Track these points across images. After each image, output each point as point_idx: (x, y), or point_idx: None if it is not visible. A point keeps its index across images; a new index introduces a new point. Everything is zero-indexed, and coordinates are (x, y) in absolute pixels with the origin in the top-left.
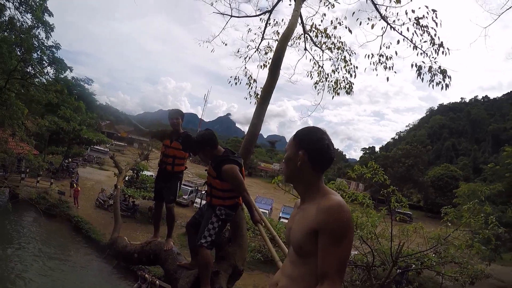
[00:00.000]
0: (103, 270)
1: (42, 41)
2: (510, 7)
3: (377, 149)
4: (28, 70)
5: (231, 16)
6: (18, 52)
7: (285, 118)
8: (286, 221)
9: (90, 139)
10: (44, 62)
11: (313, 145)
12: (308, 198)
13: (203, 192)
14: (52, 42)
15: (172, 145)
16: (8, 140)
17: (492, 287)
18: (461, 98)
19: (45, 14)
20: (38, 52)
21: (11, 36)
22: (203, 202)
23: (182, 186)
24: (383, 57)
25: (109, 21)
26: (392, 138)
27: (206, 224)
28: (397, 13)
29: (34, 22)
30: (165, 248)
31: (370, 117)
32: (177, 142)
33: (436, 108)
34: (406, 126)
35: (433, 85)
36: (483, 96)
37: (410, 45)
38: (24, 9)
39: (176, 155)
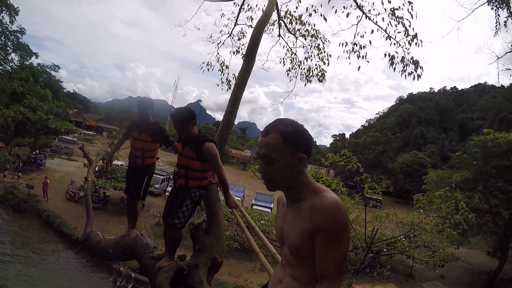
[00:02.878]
0: (77, 265)
1: (6, 25)
2: (483, 3)
3: (347, 136)
4: None
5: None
6: None
7: (257, 105)
8: (259, 208)
9: (58, 128)
10: (8, 48)
11: (307, 145)
12: (298, 196)
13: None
14: (17, 26)
15: (140, 137)
16: None
17: (461, 269)
18: (430, 88)
19: None
20: (2, 38)
21: None
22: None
23: (153, 175)
24: (356, 46)
25: (76, 4)
26: (362, 126)
27: (180, 206)
28: (373, 3)
29: None
30: (131, 236)
31: (340, 104)
32: (146, 134)
33: (405, 97)
34: (376, 114)
35: (405, 75)
36: (451, 87)
37: (384, 35)
38: None
39: (145, 148)
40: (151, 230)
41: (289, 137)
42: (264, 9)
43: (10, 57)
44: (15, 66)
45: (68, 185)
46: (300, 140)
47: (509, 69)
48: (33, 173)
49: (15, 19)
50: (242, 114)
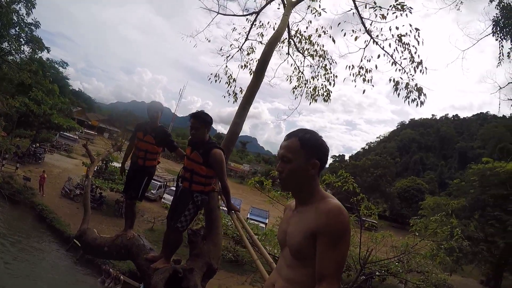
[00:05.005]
0: (65, 263)
1: (22, 17)
2: (488, 34)
3: (347, 157)
4: (3, 46)
5: (218, 13)
6: None
7: (259, 120)
8: (254, 222)
9: (61, 124)
10: (21, 39)
11: (323, 154)
12: (306, 201)
13: (173, 188)
14: (32, 19)
15: (145, 138)
16: None
17: None
18: (432, 115)
19: None
20: (17, 29)
21: None
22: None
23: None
24: (363, 69)
25: (91, 4)
26: (362, 148)
27: (183, 209)
28: (381, 28)
29: None
30: (128, 236)
31: (342, 125)
32: (150, 136)
33: (407, 122)
34: (377, 137)
35: (408, 101)
36: (453, 115)
37: (390, 61)
38: None
39: (148, 150)
40: (144, 235)
41: (307, 143)
42: (275, 27)
43: (22, 48)
44: (25, 58)
45: (65, 182)
46: (315, 147)
47: (511, 99)
48: (31, 166)
49: (31, 11)
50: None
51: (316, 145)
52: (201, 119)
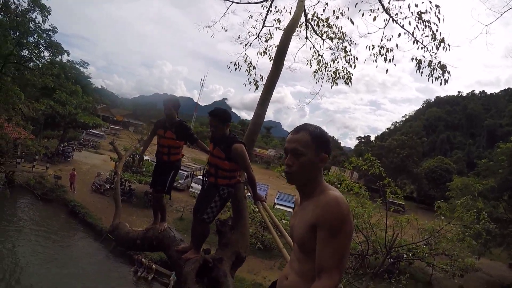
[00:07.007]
0: (99, 254)
1: (39, 24)
2: None
3: (372, 138)
4: (23, 54)
5: (232, 1)
6: (13, 36)
7: (283, 105)
8: (282, 208)
9: (86, 122)
10: (40, 46)
11: (329, 148)
12: (310, 194)
13: (200, 177)
14: (49, 25)
15: (166, 134)
16: (4, 126)
17: (481, 281)
18: (458, 92)
19: None
20: (35, 36)
21: (5, 19)
22: (199, 187)
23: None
24: (383, 49)
25: (105, 4)
26: (387, 128)
27: (209, 202)
28: (400, 7)
29: (30, 5)
30: (158, 229)
31: (366, 106)
32: (171, 132)
33: (433, 100)
34: (402, 116)
35: (432, 79)
36: (480, 91)
37: (411, 39)
38: None
39: (171, 145)
40: (174, 224)
41: (318, 137)
42: (291, 12)
43: (42, 54)
44: (46, 63)
45: (95, 177)
46: (325, 142)
47: None
48: (61, 165)
49: (47, 18)
50: (268, 114)
51: (326, 139)
52: (218, 117)
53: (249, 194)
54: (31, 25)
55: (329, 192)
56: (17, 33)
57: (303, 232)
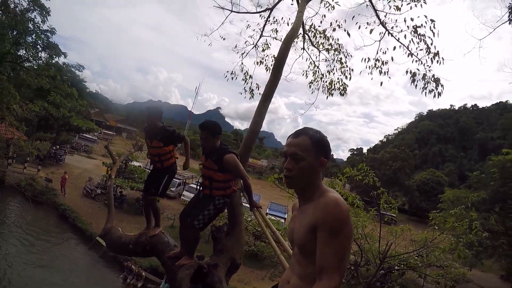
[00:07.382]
0: (88, 259)
1: (38, 24)
2: (505, 22)
3: (364, 150)
4: (20, 53)
5: (231, 11)
6: (11, 35)
7: (276, 115)
8: (273, 218)
9: (80, 126)
10: (38, 46)
11: (329, 152)
12: (309, 197)
13: (192, 185)
14: (48, 26)
15: (153, 144)
16: None
17: None
18: (451, 105)
19: None
20: (33, 36)
21: (3, 18)
22: (191, 195)
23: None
24: (379, 61)
25: (102, 8)
26: (380, 141)
27: (202, 209)
28: (396, 20)
29: (30, 4)
30: (150, 234)
31: (360, 118)
32: (156, 140)
33: (425, 113)
34: (395, 129)
35: (426, 92)
36: (472, 105)
37: (406, 52)
38: None
39: (160, 153)
40: (165, 232)
41: (318, 141)
42: (289, 23)
43: (39, 55)
44: (42, 64)
45: (86, 182)
46: (324, 146)
47: None
48: (52, 168)
49: (46, 19)
50: None
51: (325, 144)
52: (208, 130)
53: (245, 201)
54: (30, 25)
55: (328, 194)
56: (15, 32)
57: (303, 234)
